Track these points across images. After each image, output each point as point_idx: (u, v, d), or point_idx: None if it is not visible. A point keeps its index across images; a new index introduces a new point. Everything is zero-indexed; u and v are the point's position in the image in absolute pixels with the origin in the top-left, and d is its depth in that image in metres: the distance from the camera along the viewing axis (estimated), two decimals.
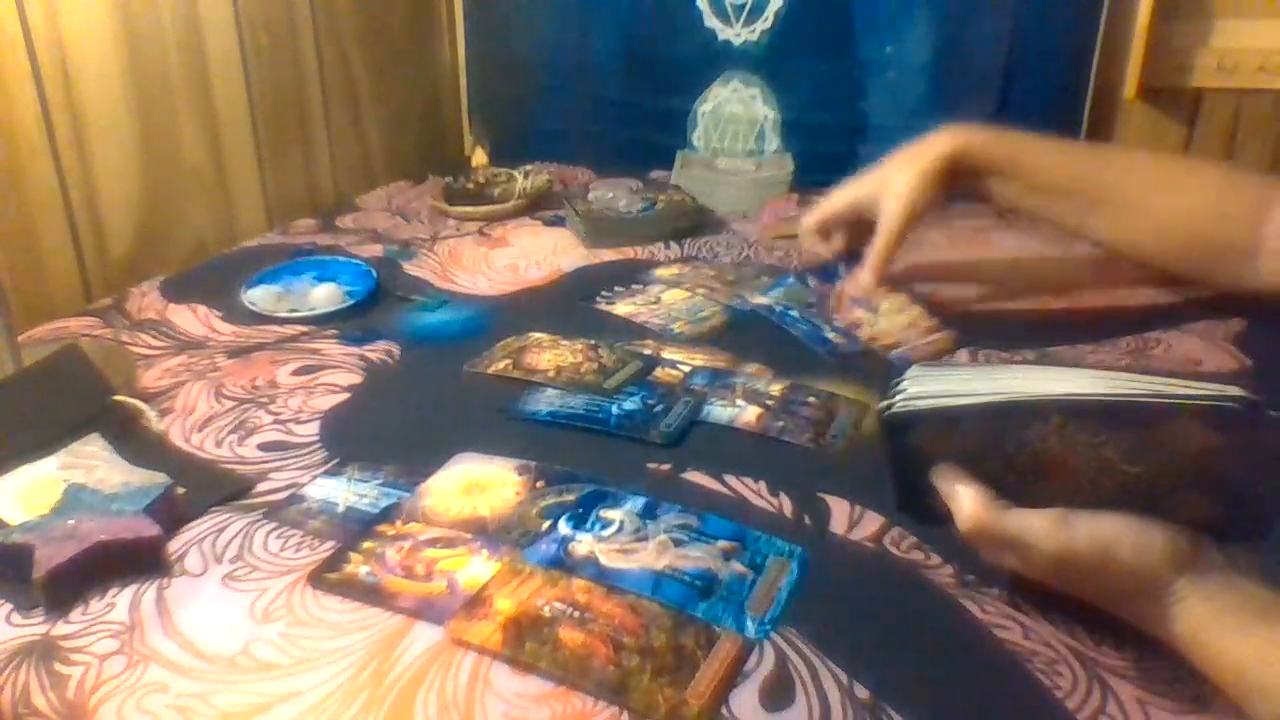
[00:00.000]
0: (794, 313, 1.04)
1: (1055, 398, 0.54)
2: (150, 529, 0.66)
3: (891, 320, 1.01)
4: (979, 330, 0.99)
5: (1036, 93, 1.38)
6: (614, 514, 0.70)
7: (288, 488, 0.75)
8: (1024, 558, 0.56)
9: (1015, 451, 0.56)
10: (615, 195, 1.38)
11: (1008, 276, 1.15)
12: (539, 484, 0.74)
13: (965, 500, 0.57)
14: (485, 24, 1.72)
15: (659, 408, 0.85)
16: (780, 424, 0.82)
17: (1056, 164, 1.03)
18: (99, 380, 0.85)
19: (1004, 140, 1.02)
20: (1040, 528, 0.54)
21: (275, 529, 0.70)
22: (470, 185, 1.45)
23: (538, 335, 1.00)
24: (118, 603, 0.63)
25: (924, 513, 0.61)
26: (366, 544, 0.68)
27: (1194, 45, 1.33)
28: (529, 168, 1.48)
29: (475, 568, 0.65)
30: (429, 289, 1.16)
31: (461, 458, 0.78)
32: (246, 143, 1.37)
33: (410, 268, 1.22)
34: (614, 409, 0.85)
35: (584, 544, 0.67)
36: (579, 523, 0.69)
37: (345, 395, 0.90)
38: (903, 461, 0.60)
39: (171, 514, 0.70)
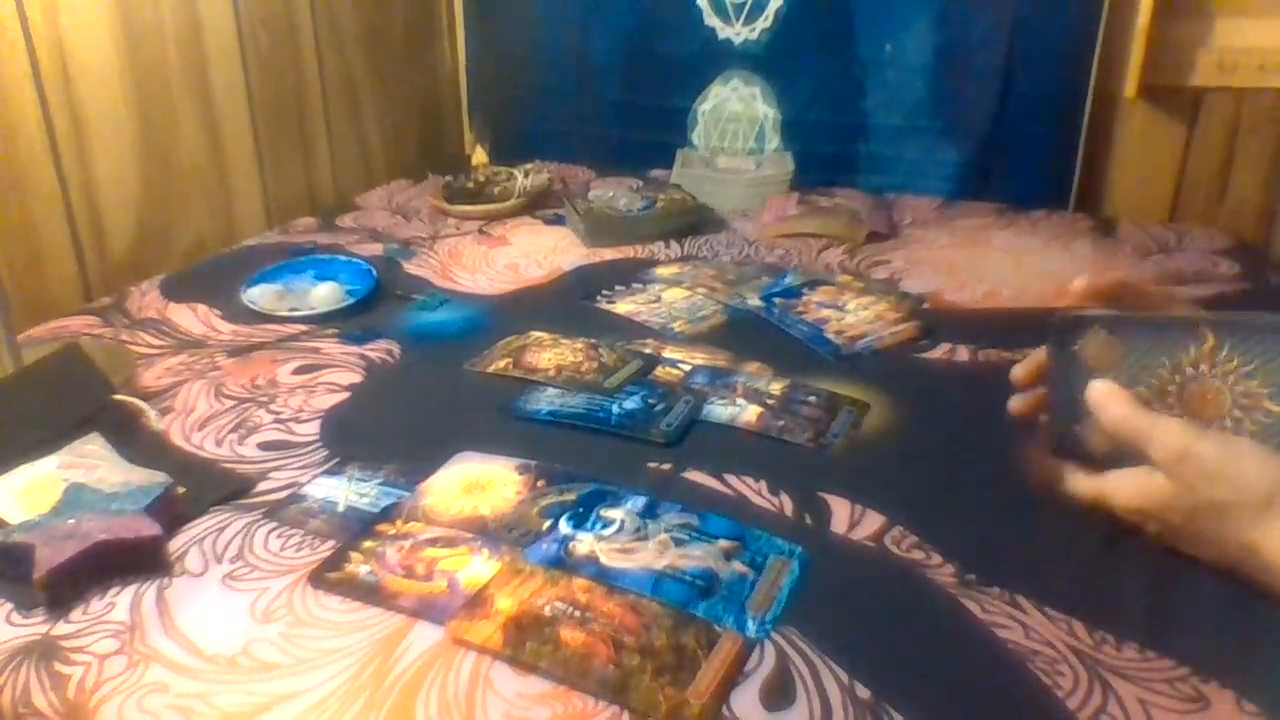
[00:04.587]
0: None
1: (1208, 317, 0.56)
2: (150, 528, 0.66)
3: (858, 316, 1.03)
4: (973, 329, 0.99)
5: (1036, 93, 1.38)
6: (614, 513, 0.70)
7: (288, 487, 0.75)
8: (1149, 450, 0.56)
9: (1170, 372, 0.57)
10: (615, 194, 1.38)
11: (1008, 276, 1.15)
12: (539, 483, 0.74)
13: (1108, 390, 0.57)
14: (485, 24, 1.72)
15: (659, 407, 0.85)
16: (781, 423, 0.82)
17: None
18: (99, 379, 0.85)
19: None
20: (1175, 424, 0.55)
21: (275, 528, 0.70)
22: (470, 184, 1.45)
23: (538, 334, 1.00)
24: (118, 602, 0.63)
25: (1071, 444, 0.60)
26: (367, 543, 0.68)
27: (1194, 45, 1.33)
28: (529, 166, 1.48)
29: (476, 567, 0.65)
30: (429, 288, 1.16)
31: (462, 457, 0.78)
32: (246, 142, 1.37)
33: (410, 267, 1.22)
34: (614, 408, 0.85)
35: (584, 543, 0.67)
36: (579, 522, 0.69)
37: (345, 394, 0.90)
38: (1064, 374, 0.60)
39: (172, 513, 0.70)
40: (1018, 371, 0.64)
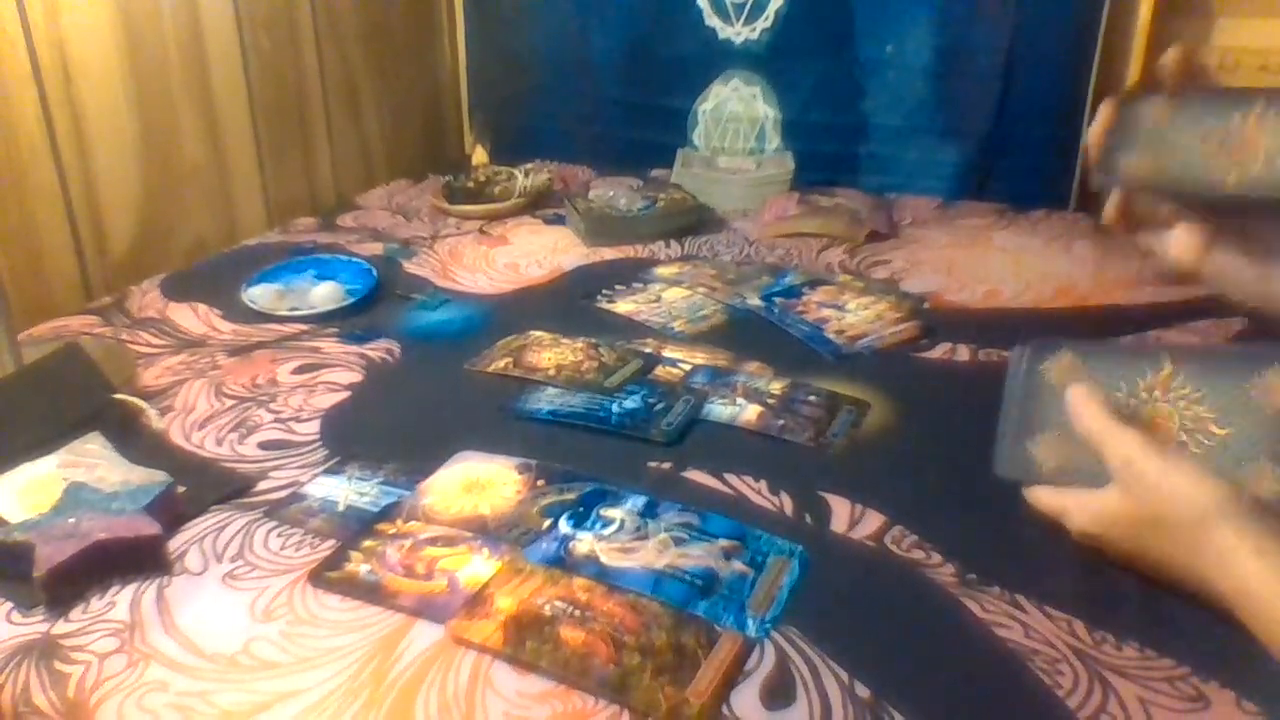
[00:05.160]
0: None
1: (1172, 346, 0.59)
2: (150, 527, 0.66)
3: (858, 315, 1.03)
4: (974, 329, 0.99)
5: (1036, 93, 1.38)
6: (614, 513, 0.70)
7: (288, 486, 0.75)
8: (1103, 454, 0.58)
9: (1126, 395, 0.60)
10: (615, 194, 1.38)
11: (1008, 276, 1.15)
12: (539, 482, 0.74)
13: (1085, 393, 0.60)
14: (485, 23, 1.72)
15: (660, 406, 0.85)
16: (781, 422, 0.82)
17: None
18: (99, 379, 0.85)
19: None
20: (1130, 434, 0.57)
21: (275, 527, 0.70)
22: (470, 184, 1.45)
23: (538, 334, 1.00)
24: (118, 601, 0.63)
25: (1020, 460, 0.63)
26: (367, 542, 0.68)
27: (1194, 45, 1.33)
28: (529, 166, 1.48)
29: (476, 566, 0.65)
30: (429, 287, 1.16)
31: (462, 456, 0.78)
32: (246, 142, 1.37)
33: (411, 266, 1.22)
34: (615, 407, 0.85)
35: (584, 543, 0.67)
36: (579, 521, 0.69)
37: (346, 394, 0.90)
38: (1024, 392, 0.63)
39: (172, 512, 0.70)
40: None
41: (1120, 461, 0.57)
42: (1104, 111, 0.61)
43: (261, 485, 0.76)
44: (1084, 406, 0.60)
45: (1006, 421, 0.64)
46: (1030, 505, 0.63)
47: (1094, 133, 0.62)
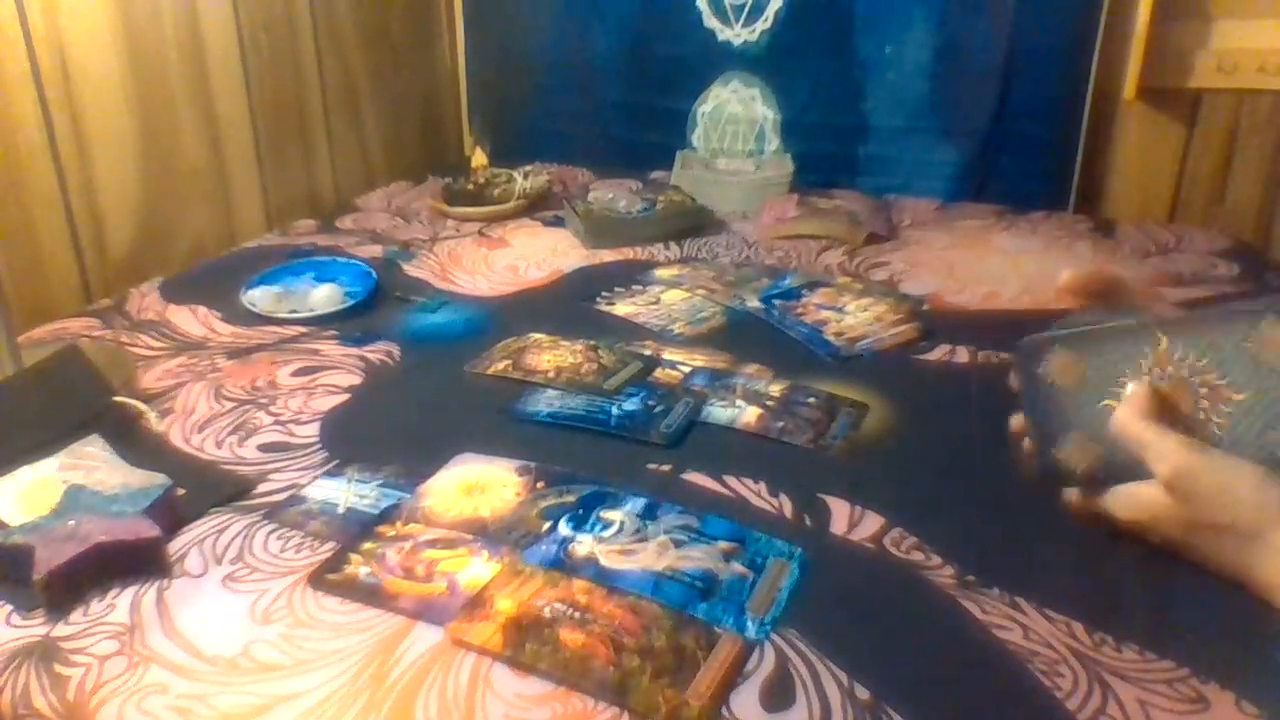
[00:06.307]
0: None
1: (1158, 319, 0.59)
2: (150, 530, 0.66)
3: (857, 317, 1.03)
4: (973, 331, 0.99)
5: (1036, 93, 1.38)
6: (614, 515, 0.70)
7: (288, 489, 0.75)
8: (1148, 463, 0.58)
9: (1133, 378, 0.60)
10: (615, 196, 1.38)
11: (1007, 278, 1.15)
12: (539, 485, 0.74)
13: (1127, 398, 0.60)
14: (485, 24, 1.72)
15: (659, 408, 0.85)
16: (780, 424, 0.82)
17: None
18: (99, 381, 0.85)
19: None
20: (1172, 442, 0.57)
21: (275, 530, 0.70)
22: (470, 186, 1.45)
23: (538, 336, 1.00)
24: (118, 604, 0.63)
25: (1052, 469, 0.63)
26: (367, 545, 0.68)
27: (1194, 45, 1.33)
28: (529, 168, 1.48)
29: (475, 568, 0.65)
30: (429, 290, 1.16)
31: (462, 458, 0.78)
32: (246, 143, 1.37)
33: (410, 268, 1.22)
34: (614, 409, 0.85)
35: (584, 545, 0.67)
36: (579, 523, 0.69)
37: (345, 396, 0.90)
38: (1035, 399, 0.63)
39: (171, 515, 0.70)
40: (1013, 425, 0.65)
41: (1168, 472, 0.57)
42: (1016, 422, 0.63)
43: (261, 488, 0.76)
44: (1122, 413, 0.60)
45: (1032, 433, 0.65)
46: (1071, 509, 0.63)
47: (1014, 427, 0.64)
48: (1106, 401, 0.61)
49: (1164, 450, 0.57)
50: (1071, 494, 0.64)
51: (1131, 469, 0.59)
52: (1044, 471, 0.64)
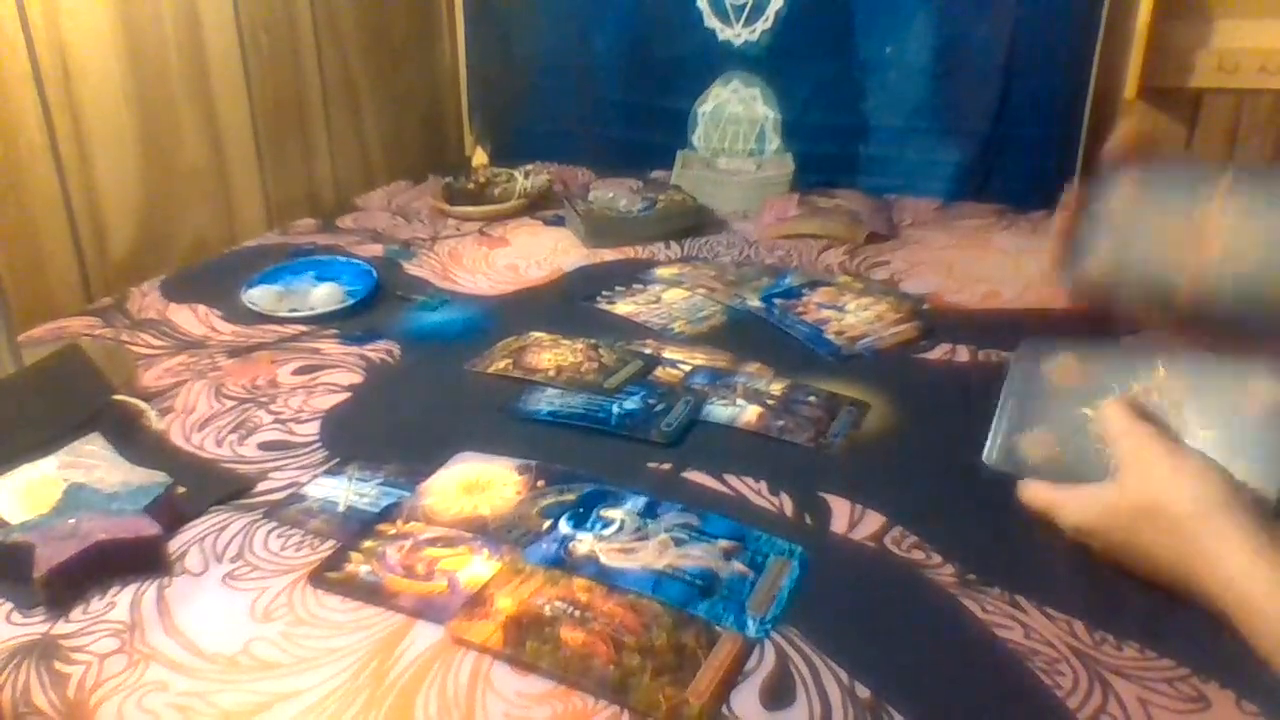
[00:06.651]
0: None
1: (1165, 350, 0.62)
2: (150, 528, 0.66)
3: (858, 316, 1.04)
4: (973, 330, 0.99)
5: (1036, 93, 1.38)
6: (614, 513, 0.70)
7: (288, 487, 0.75)
8: (1112, 446, 0.60)
9: (1121, 393, 0.63)
10: (615, 195, 1.38)
11: (1007, 277, 1.15)
12: (539, 483, 0.74)
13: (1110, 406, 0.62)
14: (485, 24, 1.72)
15: (659, 407, 0.85)
16: (781, 423, 0.82)
17: None
18: (99, 380, 0.85)
19: None
20: (1144, 429, 0.59)
21: (275, 528, 0.70)
22: (470, 185, 1.45)
23: (538, 335, 1.00)
24: (118, 602, 0.63)
25: (1010, 454, 0.65)
26: (367, 543, 0.68)
27: (1194, 45, 1.33)
28: (529, 167, 1.49)
29: (476, 567, 0.65)
30: (429, 289, 1.16)
31: (462, 457, 0.78)
32: (246, 143, 1.37)
33: (411, 267, 1.22)
34: (614, 408, 0.85)
35: (584, 543, 0.67)
36: (579, 522, 0.69)
37: (346, 395, 0.90)
38: (1022, 388, 0.65)
39: (172, 513, 0.70)
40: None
41: (1131, 451, 0.58)
42: (1063, 213, 0.63)
43: (261, 486, 0.76)
44: (1112, 420, 0.61)
45: (1002, 414, 0.66)
46: (1022, 501, 0.63)
47: (1056, 229, 0.64)
48: (1085, 409, 0.63)
49: (1132, 432, 0.59)
50: (1031, 489, 0.64)
51: (1078, 475, 0.62)
52: (1001, 458, 0.66)
